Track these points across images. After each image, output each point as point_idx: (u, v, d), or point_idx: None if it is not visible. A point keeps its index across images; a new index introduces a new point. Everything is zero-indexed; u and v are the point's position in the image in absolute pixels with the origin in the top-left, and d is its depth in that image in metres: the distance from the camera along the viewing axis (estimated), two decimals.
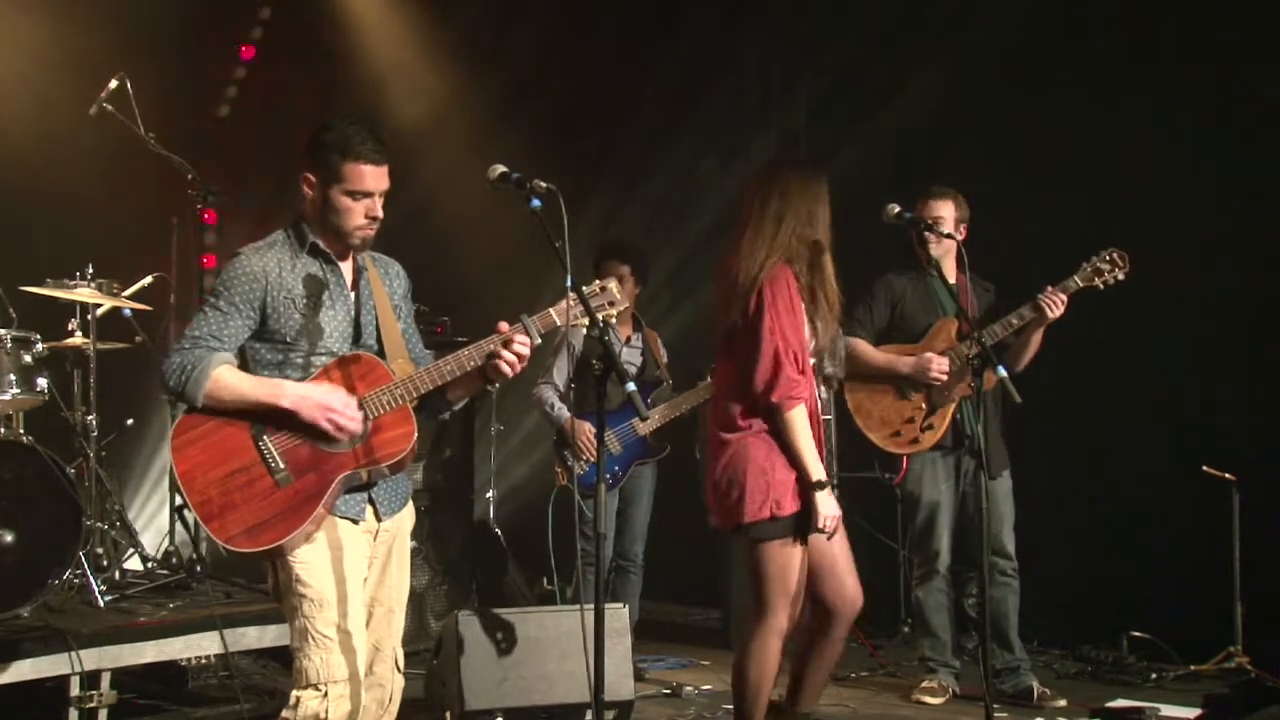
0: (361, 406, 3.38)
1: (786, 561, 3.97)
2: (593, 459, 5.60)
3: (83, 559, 5.08)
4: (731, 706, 4.15)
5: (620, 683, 4.91)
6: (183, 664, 5.40)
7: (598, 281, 3.55)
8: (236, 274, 3.41)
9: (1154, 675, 5.77)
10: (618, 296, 3.53)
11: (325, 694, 3.33)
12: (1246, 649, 5.68)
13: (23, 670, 4.56)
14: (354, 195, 3.41)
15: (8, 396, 5.15)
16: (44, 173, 6.85)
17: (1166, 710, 5.11)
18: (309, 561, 3.37)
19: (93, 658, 4.68)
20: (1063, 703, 5.35)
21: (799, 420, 3.94)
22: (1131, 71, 6.32)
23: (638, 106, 8.09)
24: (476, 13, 8.29)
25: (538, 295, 3.58)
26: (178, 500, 6.09)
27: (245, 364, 3.45)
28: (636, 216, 7.90)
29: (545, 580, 7.09)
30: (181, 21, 7.80)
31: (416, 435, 3.43)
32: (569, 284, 3.30)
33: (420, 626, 6.27)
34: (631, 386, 3.25)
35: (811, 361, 4.06)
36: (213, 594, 5.36)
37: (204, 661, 5.46)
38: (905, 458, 5.51)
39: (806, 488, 3.94)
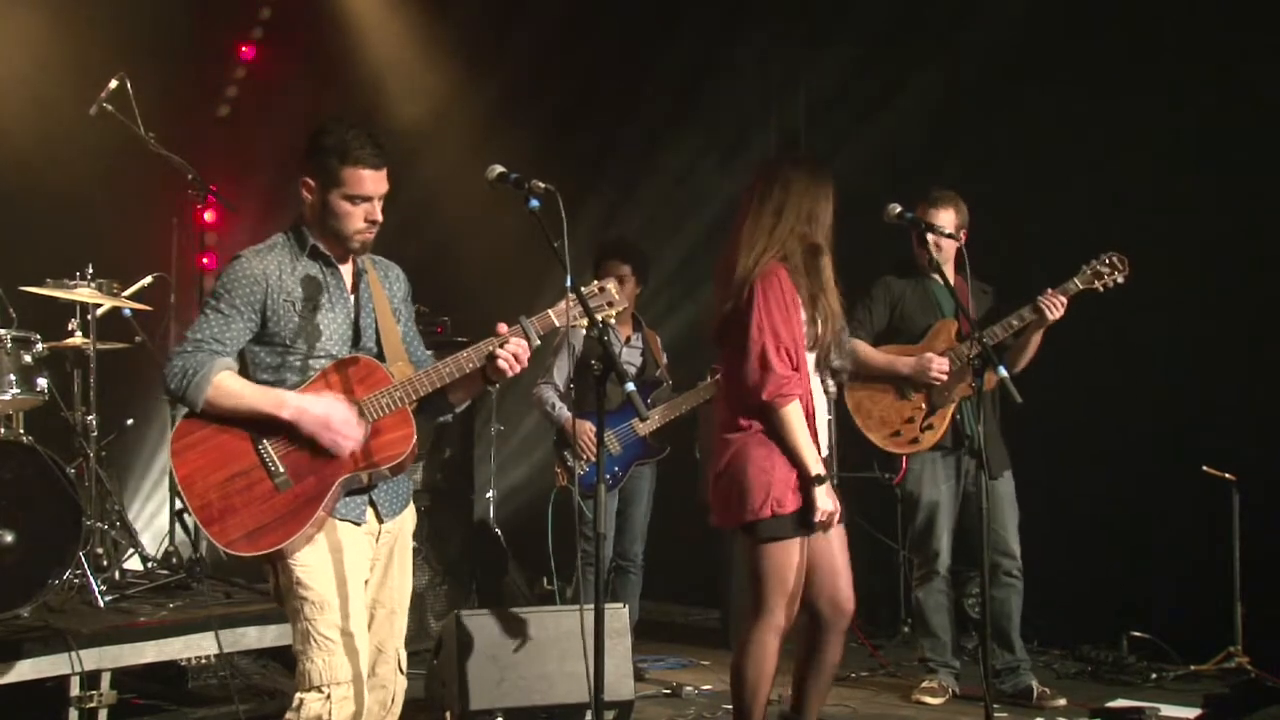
0: (360, 410, 3.38)
1: (786, 560, 3.97)
2: (593, 459, 5.60)
3: (83, 559, 5.08)
4: (731, 707, 4.15)
5: (620, 683, 4.91)
6: (182, 664, 5.40)
7: (596, 282, 3.55)
8: (237, 276, 3.41)
9: (1154, 675, 5.77)
10: (616, 297, 3.53)
11: (328, 696, 3.33)
12: (1246, 649, 5.68)
13: (23, 670, 4.55)
14: (353, 200, 3.41)
15: (8, 396, 5.15)
16: (44, 173, 6.85)
17: (1166, 710, 5.11)
18: (310, 564, 3.37)
19: (93, 658, 4.67)
20: (1062, 702, 5.35)
21: (793, 416, 3.93)
22: (1131, 71, 6.32)
23: (638, 106, 8.10)
24: (476, 13, 8.30)
25: (538, 295, 3.58)
26: (178, 504, 6.09)
27: (244, 366, 3.45)
28: (636, 216, 7.89)
29: (545, 580, 7.09)
30: (181, 21, 7.80)
31: (416, 437, 3.43)
32: (568, 284, 3.30)
33: (420, 627, 6.28)
34: (631, 387, 3.26)
35: (812, 358, 4.05)
36: (212, 594, 5.35)
37: (204, 661, 5.46)
38: (905, 458, 5.51)
39: (805, 483, 3.94)
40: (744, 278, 4.00)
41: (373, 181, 3.42)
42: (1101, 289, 5.21)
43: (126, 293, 5.92)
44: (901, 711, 5.46)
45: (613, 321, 3.65)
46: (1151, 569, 6.09)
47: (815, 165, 4.18)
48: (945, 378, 5.32)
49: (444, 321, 6.88)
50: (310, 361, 3.42)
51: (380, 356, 3.50)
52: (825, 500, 3.94)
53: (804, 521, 3.96)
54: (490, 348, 3.41)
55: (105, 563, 5.62)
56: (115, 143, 6.10)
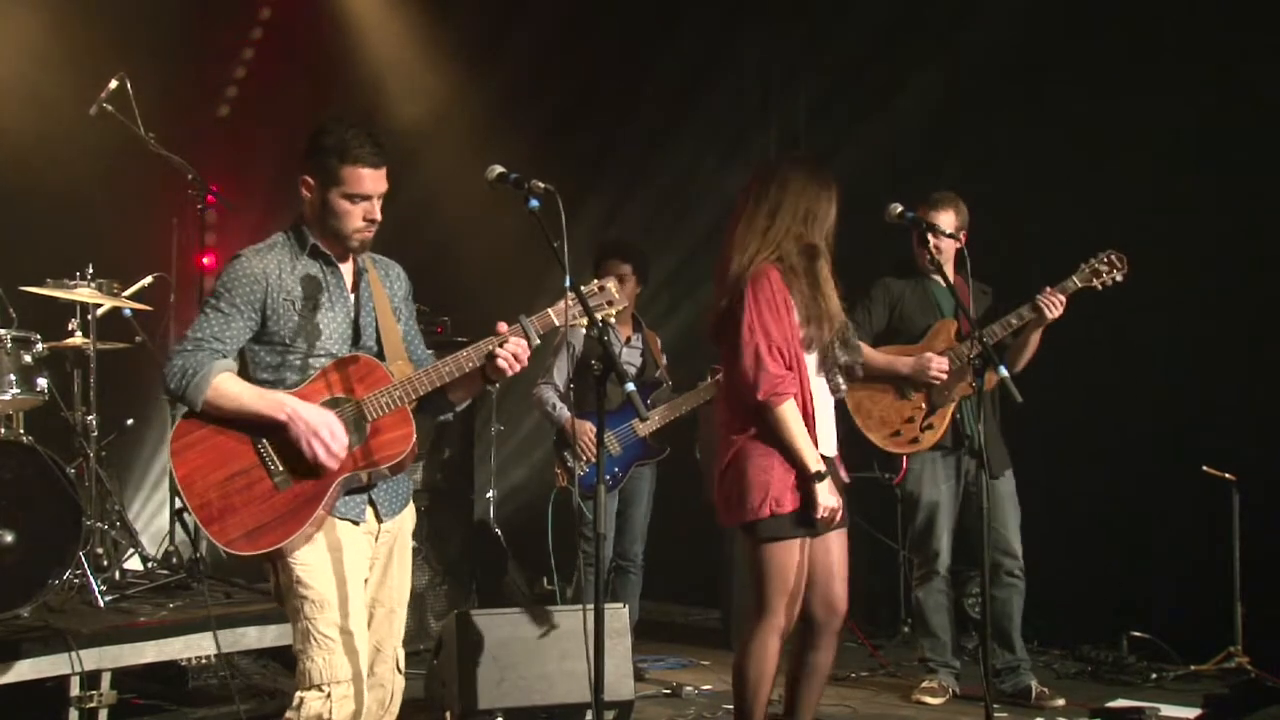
0: (360, 409, 3.38)
1: (786, 560, 3.96)
2: (593, 459, 5.60)
3: (83, 559, 5.08)
4: (731, 706, 4.15)
5: (620, 683, 4.91)
6: (183, 664, 5.40)
7: (596, 281, 3.55)
8: (237, 275, 3.41)
9: (1154, 675, 5.78)
10: (616, 296, 3.53)
11: (328, 695, 3.33)
12: (1246, 649, 5.68)
13: (23, 670, 4.55)
14: (352, 198, 3.41)
15: (8, 396, 5.15)
16: (44, 173, 6.85)
17: (1166, 710, 5.11)
18: (310, 563, 3.37)
19: (93, 658, 4.67)
20: (1061, 702, 5.35)
21: (789, 415, 3.92)
22: (1131, 71, 6.32)
23: (638, 106, 8.10)
24: (476, 13, 8.30)
25: (538, 295, 3.58)
26: (178, 503, 6.09)
27: (244, 366, 3.45)
28: (636, 216, 7.90)
29: (545, 580, 7.09)
30: (181, 21, 7.80)
31: (415, 437, 3.43)
32: (568, 284, 3.30)
33: (420, 626, 6.27)
34: (631, 387, 3.26)
35: (813, 360, 4.04)
36: (212, 594, 5.35)
37: (204, 661, 5.46)
38: (905, 458, 5.51)
39: (804, 480, 3.93)
40: (736, 278, 4.00)
41: (372, 180, 3.42)
42: (1100, 287, 5.21)
43: (126, 293, 5.92)
44: (901, 711, 5.46)
45: (612, 321, 3.65)
46: (1151, 569, 6.09)
47: (815, 165, 4.16)
48: (945, 377, 5.33)
49: (444, 321, 6.88)
50: (310, 360, 3.43)
51: (380, 355, 3.50)
52: (827, 496, 3.92)
53: (804, 521, 3.95)
54: (490, 347, 3.41)
55: (105, 563, 5.62)
56: (115, 143, 6.10)
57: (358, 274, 3.56)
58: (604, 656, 3.33)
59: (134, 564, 5.94)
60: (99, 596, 5.12)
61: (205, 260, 7.24)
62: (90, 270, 5.66)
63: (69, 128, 6.44)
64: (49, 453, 5.01)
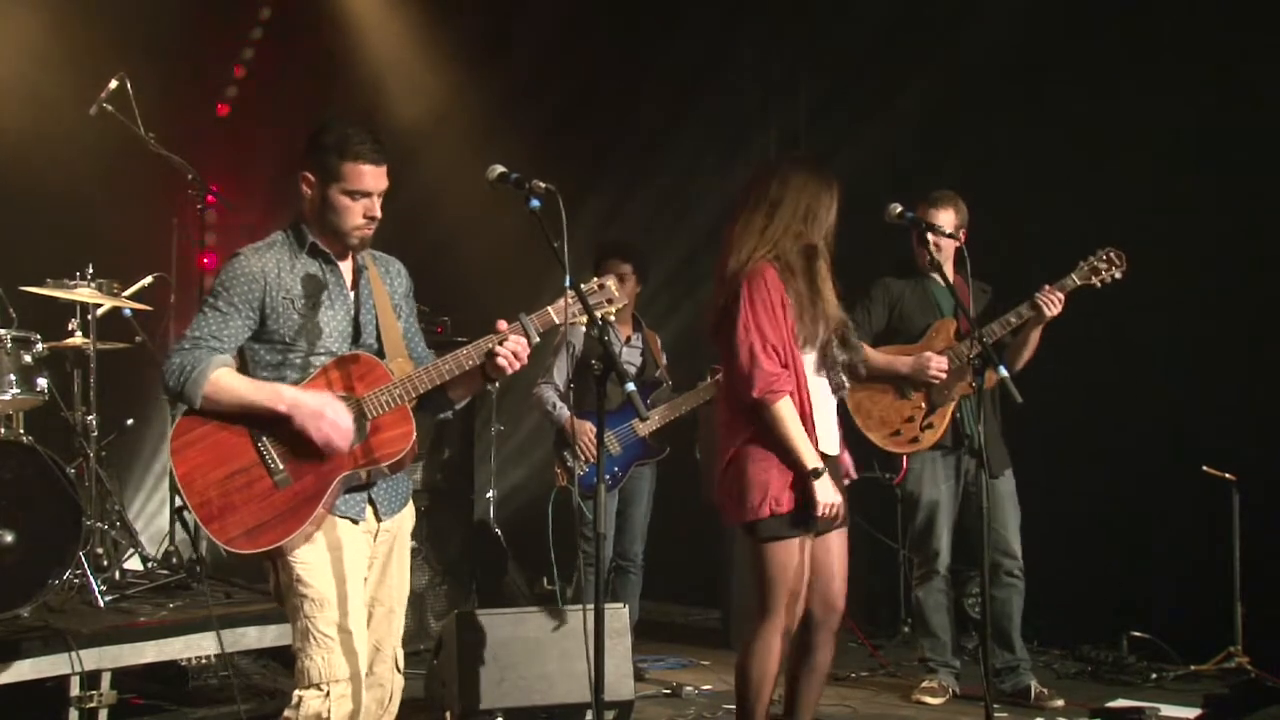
0: (361, 408, 3.38)
1: (788, 559, 3.96)
2: (593, 459, 5.60)
3: (83, 559, 5.08)
4: (731, 707, 4.15)
5: (620, 683, 4.91)
6: (183, 664, 5.40)
7: (596, 279, 3.55)
8: (235, 274, 3.41)
9: (1154, 675, 5.77)
10: (616, 294, 3.53)
11: (327, 694, 3.34)
12: (1246, 649, 5.68)
13: (23, 670, 4.55)
14: (352, 195, 3.42)
15: (8, 396, 5.15)
16: (44, 173, 6.85)
17: (1166, 710, 5.10)
18: (309, 562, 3.38)
19: (93, 658, 4.67)
20: (1061, 702, 5.35)
21: (784, 412, 3.91)
22: (1131, 71, 6.32)
23: (638, 106, 8.10)
24: (476, 13, 8.30)
25: (538, 295, 3.57)
26: (178, 501, 6.09)
27: (244, 365, 3.46)
28: (636, 216, 7.89)
29: (545, 580, 7.09)
30: (181, 21, 7.80)
31: (415, 435, 3.43)
32: (568, 284, 3.30)
33: (420, 626, 6.27)
34: (631, 387, 3.26)
35: (811, 359, 4.04)
36: (212, 594, 5.35)
37: (204, 661, 5.46)
38: (905, 457, 5.51)
39: (803, 478, 3.92)
40: (732, 277, 4.01)
41: (372, 177, 3.43)
42: (1099, 284, 5.20)
43: (126, 293, 5.92)
44: (901, 711, 5.46)
45: (612, 319, 3.65)
46: (1151, 569, 6.09)
47: (816, 163, 4.16)
48: (944, 376, 5.32)
49: (444, 321, 6.87)
50: (311, 359, 3.43)
51: (380, 353, 3.50)
52: (826, 493, 3.91)
53: (803, 520, 3.94)
54: (490, 345, 3.42)
55: (105, 563, 5.62)
56: (115, 143, 6.10)
57: (357, 271, 3.56)
58: (604, 656, 3.33)
59: (134, 564, 5.93)
60: (99, 596, 5.12)
61: (205, 260, 7.25)
62: (90, 270, 5.65)
63: (69, 127, 6.44)
64: (49, 453, 5.01)
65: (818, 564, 4.06)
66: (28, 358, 5.25)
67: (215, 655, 5.21)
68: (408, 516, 3.65)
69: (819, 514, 3.91)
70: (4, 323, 5.39)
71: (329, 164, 3.40)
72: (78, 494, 5.04)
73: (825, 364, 4.06)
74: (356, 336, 3.51)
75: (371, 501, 3.50)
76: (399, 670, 3.59)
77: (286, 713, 3.38)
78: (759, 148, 7.68)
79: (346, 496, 3.43)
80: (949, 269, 5.31)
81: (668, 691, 5.72)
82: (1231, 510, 5.71)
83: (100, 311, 5.80)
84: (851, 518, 4.21)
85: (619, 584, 6.03)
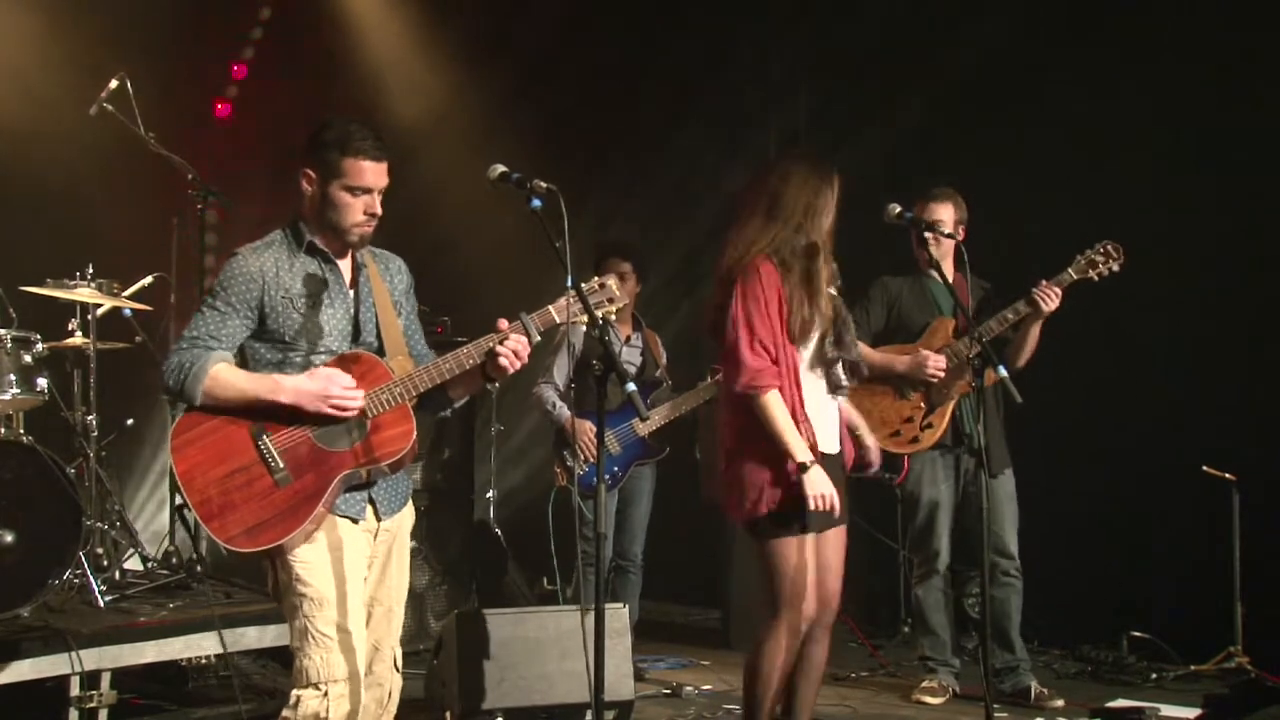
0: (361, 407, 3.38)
1: (788, 556, 3.96)
2: (593, 459, 5.60)
3: (83, 559, 5.07)
4: (731, 706, 4.16)
5: (620, 683, 4.91)
6: (182, 664, 5.40)
7: (596, 278, 3.55)
8: (234, 274, 3.41)
9: (1154, 675, 5.77)
10: (617, 293, 3.53)
11: (325, 693, 3.34)
12: (1246, 649, 5.68)
13: (23, 670, 4.55)
14: (353, 191, 3.42)
15: (8, 396, 5.15)
16: (44, 173, 6.85)
17: (1166, 710, 5.10)
18: (309, 561, 3.38)
19: (93, 658, 4.67)
20: (1060, 702, 5.35)
21: (771, 406, 3.91)
22: (1131, 71, 6.32)
23: (638, 106, 8.09)
24: (476, 13, 8.30)
25: (538, 295, 3.57)
26: (178, 500, 6.09)
27: (245, 364, 3.46)
28: (636, 216, 7.90)
29: (545, 580, 7.09)
30: (181, 21, 7.80)
31: (416, 434, 3.43)
32: (569, 284, 3.31)
33: (420, 626, 6.27)
34: (631, 387, 3.26)
35: (807, 355, 4.03)
36: (212, 594, 5.35)
37: (204, 661, 5.46)
38: (906, 458, 5.50)
39: (795, 471, 3.91)
40: (728, 273, 4.01)
41: (373, 173, 3.43)
42: (1096, 278, 5.18)
43: (126, 293, 5.92)
44: (901, 711, 5.46)
45: (613, 319, 3.65)
46: (1151, 569, 6.09)
47: (815, 159, 4.16)
48: (942, 375, 5.32)
49: (444, 321, 6.87)
50: (312, 358, 3.43)
51: (380, 351, 3.50)
52: (816, 485, 3.89)
53: (800, 517, 3.93)
54: (490, 344, 3.42)
55: (105, 563, 5.62)
56: (115, 142, 6.10)
57: (356, 269, 3.56)
58: (604, 656, 3.33)
59: (134, 564, 5.93)
60: (99, 596, 5.11)
61: (205, 260, 7.24)
62: (90, 270, 5.65)
63: (69, 127, 6.44)
64: (49, 453, 5.01)
65: (816, 561, 4.05)
66: (28, 358, 5.25)
67: (215, 655, 5.21)
68: (407, 516, 3.64)
69: (810, 506, 3.90)
70: (4, 323, 5.39)
71: (330, 160, 3.41)
72: (78, 494, 5.03)
73: (821, 362, 4.06)
74: (356, 335, 3.51)
75: (371, 501, 3.50)
76: (398, 670, 3.59)
77: (285, 712, 3.38)
78: (759, 148, 7.67)
79: (346, 495, 3.43)
80: (948, 267, 5.32)
81: (668, 691, 5.72)
82: (1231, 510, 5.71)
83: (100, 311, 5.80)
84: (851, 518, 4.21)
85: (619, 584, 6.03)
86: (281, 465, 3.35)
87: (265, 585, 3.56)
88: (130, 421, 6.38)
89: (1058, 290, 5.16)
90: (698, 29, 7.86)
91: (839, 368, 4.08)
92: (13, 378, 5.16)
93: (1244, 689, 5.18)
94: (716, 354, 4.35)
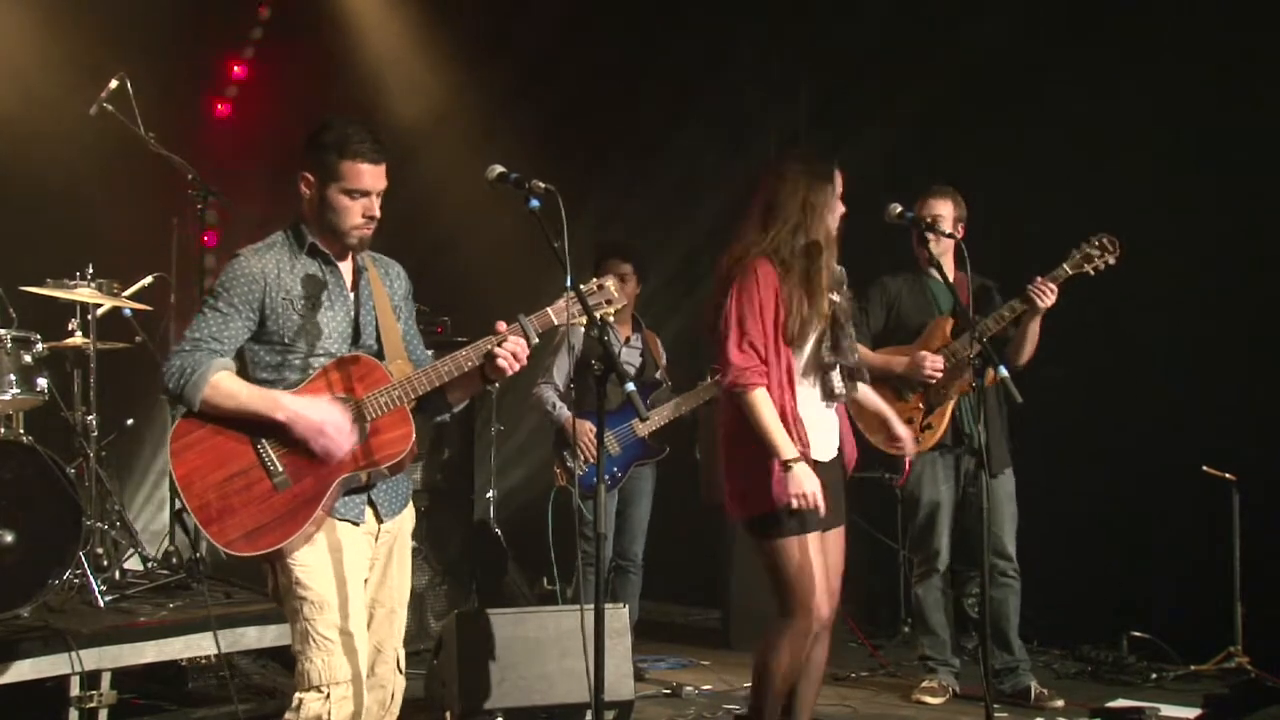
0: (359, 409, 3.38)
1: (790, 555, 3.95)
2: (593, 459, 5.60)
3: (83, 559, 5.07)
4: (731, 706, 4.17)
5: (620, 683, 4.91)
6: (182, 664, 5.40)
7: (595, 279, 3.55)
8: (235, 275, 3.41)
9: (1154, 675, 5.77)
10: (615, 294, 3.53)
11: (327, 696, 3.33)
12: (1246, 649, 5.68)
13: (23, 670, 4.55)
14: (351, 194, 3.42)
15: (8, 396, 5.15)
16: (44, 173, 6.85)
17: (1166, 710, 5.10)
18: (309, 564, 3.37)
19: (93, 658, 4.67)
20: (1060, 702, 5.35)
21: (758, 403, 3.90)
22: (1131, 71, 6.32)
23: (638, 106, 8.09)
24: (476, 12, 8.30)
25: (538, 295, 3.57)
26: (177, 504, 6.09)
27: (244, 366, 3.45)
28: (636, 216, 7.89)
29: (545, 580, 7.09)
30: (181, 21, 7.80)
31: (415, 436, 3.43)
32: (568, 284, 3.31)
33: (420, 626, 6.27)
34: (631, 387, 3.26)
35: (804, 355, 4.03)
36: (212, 594, 5.35)
37: (204, 661, 5.45)
38: (907, 459, 5.50)
39: (779, 468, 3.90)
40: (728, 273, 4.02)
41: (371, 176, 3.42)
42: (1093, 272, 5.16)
43: (126, 293, 5.92)
44: (901, 711, 5.46)
45: (611, 319, 3.65)
46: (1151, 569, 6.09)
47: (814, 158, 4.16)
48: (939, 375, 5.31)
49: (444, 321, 6.88)
50: (311, 360, 3.43)
51: (380, 354, 3.50)
52: (798, 483, 3.87)
53: (797, 516, 3.93)
54: (489, 346, 3.41)
55: (105, 563, 5.62)
56: (115, 142, 6.09)
57: (357, 272, 3.56)
58: (604, 656, 3.33)
59: (134, 564, 5.93)
60: (99, 596, 5.11)
61: (205, 260, 7.23)
62: (90, 270, 5.65)
63: (69, 127, 6.44)
64: (49, 453, 5.01)
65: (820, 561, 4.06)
66: (28, 358, 5.25)
67: (215, 655, 5.21)
68: (408, 517, 3.64)
69: (792, 505, 3.88)
70: (4, 323, 5.39)
71: (328, 163, 3.40)
72: (78, 494, 5.03)
73: (817, 367, 4.05)
74: (356, 337, 3.51)
75: (372, 503, 3.49)
76: (400, 671, 3.59)
77: (287, 715, 3.37)
78: (759, 148, 7.67)
79: (346, 499, 3.43)
80: (949, 265, 5.31)
81: (668, 691, 5.72)
82: (1231, 510, 5.71)
83: (100, 311, 5.80)
84: (851, 518, 4.21)
85: (619, 584, 6.03)
86: (280, 469, 3.34)
87: (265, 586, 3.56)
88: (130, 421, 6.38)
89: (1053, 285, 5.15)
90: (698, 29, 7.86)
91: (835, 374, 4.07)
92: (13, 378, 5.16)
93: (1244, 689, 5.18)
94: (716, 354, 4.35)
